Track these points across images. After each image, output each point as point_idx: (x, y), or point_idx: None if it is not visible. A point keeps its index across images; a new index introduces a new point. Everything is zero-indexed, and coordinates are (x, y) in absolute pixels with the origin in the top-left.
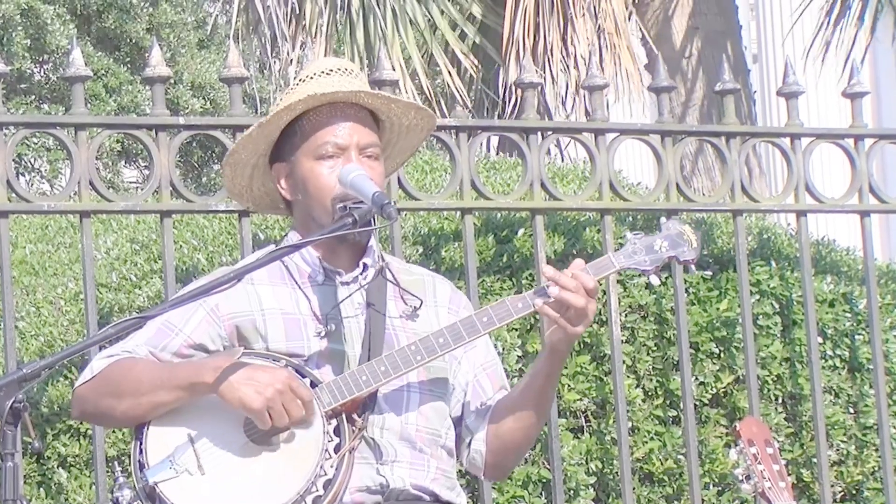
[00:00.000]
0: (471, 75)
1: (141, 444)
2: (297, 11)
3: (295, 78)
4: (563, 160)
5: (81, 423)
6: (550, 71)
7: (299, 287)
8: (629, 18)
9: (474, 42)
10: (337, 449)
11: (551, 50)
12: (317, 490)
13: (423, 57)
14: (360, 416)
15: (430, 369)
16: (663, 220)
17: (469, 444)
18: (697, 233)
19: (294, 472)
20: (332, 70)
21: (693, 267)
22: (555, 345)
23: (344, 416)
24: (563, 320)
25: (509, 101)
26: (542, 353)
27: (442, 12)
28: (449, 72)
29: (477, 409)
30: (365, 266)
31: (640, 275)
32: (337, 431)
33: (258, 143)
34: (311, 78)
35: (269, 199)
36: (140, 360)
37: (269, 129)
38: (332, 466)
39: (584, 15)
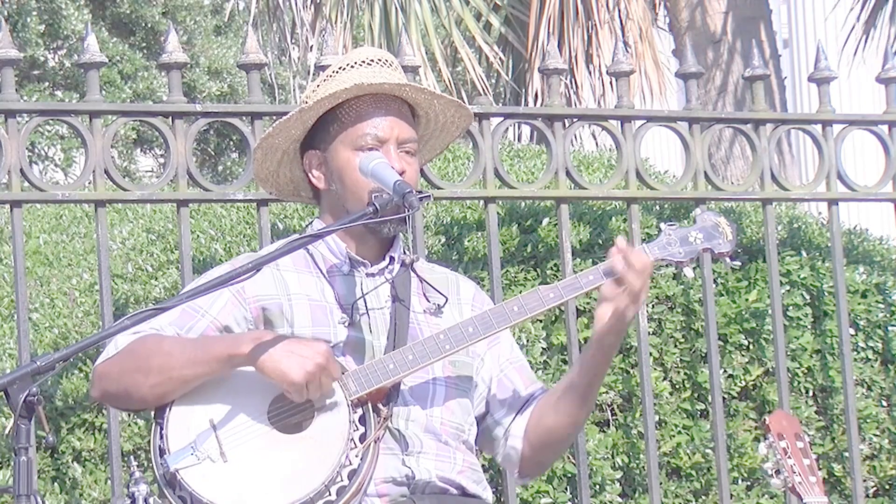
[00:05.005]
0: (492, 63)
1: (162, 429)
2: None
3: (332, 65)
4: (597, 146)
5: (97, 417)
6: (574, 80)
7: (324, 276)
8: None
9: (500, 32)
10: (362, 439)
11: (576, 58)
12: (341, 480)
13: (444, 45)
14: (385, 406)
15: (456, 364)
16: (697, 211)
17: (505, 438)
18: (732, 225)
19: (318, 462)
20: (373, 60)
21: (728, 259)
22: (602, 336)
23: (370, 405)
24: (623, 296)
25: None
26: (589, 347)
27: (467, 2)
28: (470, 60)
29: (508, 402)
30: (392, 259)
31: (673, 267)
32: (362, 421)
33: (294, 129)
34: (352, 67)
35: (293, 186)
36: (168, 336)
37: (309, 116)
38: (357, 456)
39: (607, 23)
